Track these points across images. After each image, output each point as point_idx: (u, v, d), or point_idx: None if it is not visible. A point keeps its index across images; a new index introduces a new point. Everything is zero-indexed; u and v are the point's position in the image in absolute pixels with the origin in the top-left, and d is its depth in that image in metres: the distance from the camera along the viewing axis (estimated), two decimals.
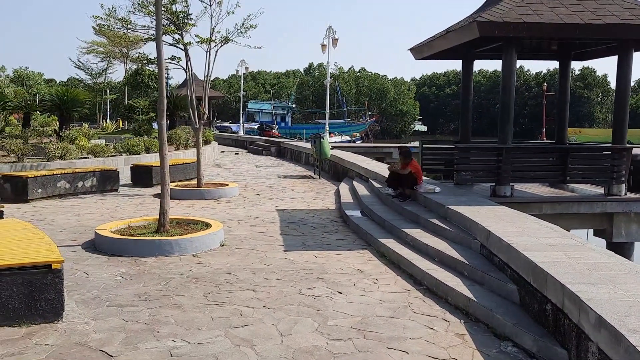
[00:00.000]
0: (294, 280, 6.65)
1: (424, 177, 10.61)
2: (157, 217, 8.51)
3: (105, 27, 13.13)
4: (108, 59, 55.37)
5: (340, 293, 6.17)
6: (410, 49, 12.21)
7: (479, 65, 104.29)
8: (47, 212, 10.97)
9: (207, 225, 8.73)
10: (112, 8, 13.01)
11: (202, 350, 4.60)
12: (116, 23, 13.08)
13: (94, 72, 56.60)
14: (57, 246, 7.94)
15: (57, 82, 78.73)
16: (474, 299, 5.55)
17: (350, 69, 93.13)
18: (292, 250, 8.16)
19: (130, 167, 15.77)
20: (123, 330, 4.98)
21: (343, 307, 5.72)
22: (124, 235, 8.06)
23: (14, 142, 15.32)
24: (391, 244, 7.95)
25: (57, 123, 25.18)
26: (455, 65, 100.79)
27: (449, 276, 6.32)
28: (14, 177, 12.25)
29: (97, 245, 8.02)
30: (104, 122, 42.76)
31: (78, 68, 56.43)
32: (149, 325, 5.12)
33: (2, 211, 8.08)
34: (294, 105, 77.18)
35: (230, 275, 6.81)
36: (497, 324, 5.07)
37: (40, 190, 12.35)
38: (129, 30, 13.41)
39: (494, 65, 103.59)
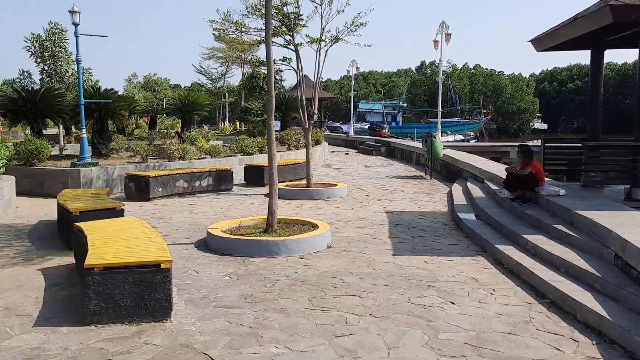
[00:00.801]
0: (403, 287, 6.30)
1: (545, 178, 9.77)
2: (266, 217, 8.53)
3: (221, 30, 13.48)
4: (227, 63, 57.77)
5: (453, 303, 5.74)
6: (531, 40, 11.34)
7: (607, 57, 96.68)
8: (166, 210, 11.46)
9: (315, 226, 8.61)
10: (227, 12, 13.40)
11: (304, 359, 4.41)
12: (230, 27, 13.41)
13: (213, 77, 59.33)
14: (172, 244, 8.27)
15: (182, 87, 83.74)
16: (608, 317, 4.88)
17: (464, 66, 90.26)
18: (401, 254, 7.81)
19: (244, 167, 16.18)
20: (227, 333, 4.92)
21: (456, 319, 5.29)
22: (233, 234, 8.15)
23: (139, 144, 16.28)
24: (509, 250, 7.34)
25: (180, 125, 26.63)
26: (580, 58, 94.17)
27: (577, 289, 5.65)
28: (138, 177, 12.97)
29: (209, 244, 8.18)
30: (222, 124, 44.64)
31: (200, 73, 59.46)
32: (253, 329, 5.02)
33: (123, 209, 8.48)
34: (405, 105, 76.15)
35: (336, 279, 6.60)
36: (638, 348, 4.40)
37: (160, 189, 12.97)
38: (242, 34, 13.72)
39: (623, 57, 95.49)
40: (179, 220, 10.35)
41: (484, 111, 64.61)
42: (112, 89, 17.82)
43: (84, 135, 14.20)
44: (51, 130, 25.25)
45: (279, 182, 14.62)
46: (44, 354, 4.44)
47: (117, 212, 8.32)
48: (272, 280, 6.55)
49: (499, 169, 12.75)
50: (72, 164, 13.83)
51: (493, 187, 11.44)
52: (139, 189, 12.81)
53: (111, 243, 5.85)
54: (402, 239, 8.77)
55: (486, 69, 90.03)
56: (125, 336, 4.83)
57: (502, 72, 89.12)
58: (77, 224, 6.96)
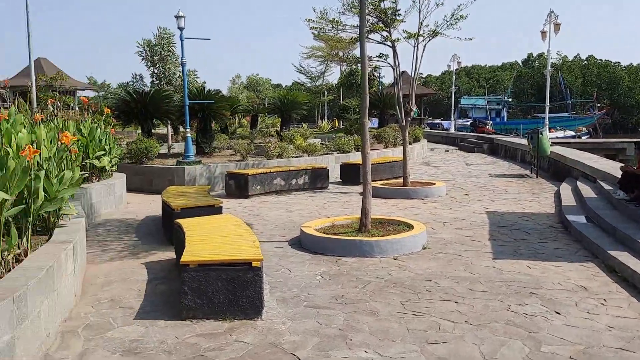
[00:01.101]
0: (503, 293, 5.94)
1: None
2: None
3: (318, 29, 13.56)
4: (326, 62, 58.38)
5: (558, 313, 5.32)
6: None
7: None
8: (263, 208, 11.69)
9: (410, 227, 8.38)
10: (324, 11, 13.43)
11: None
12: (327, 25, 13.44)
13: (313, 76, 60.17)
14: (267, 241, 8.40)
15: (283, 86, 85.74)
16: None
17: (575, 57, 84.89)
18: (501, 258, 7.40)
19: (340, 165, 16.19)
20: (317, 335, 4.87)
21: (561, 330, 4.89)
22: (326, 233, 8.11)
23: (240, 143, 16.78)
24: (624, 257, 6.71)
25: (279, 124, 27.21)
26: None
27: None
28: (237, 175, 13.35)
29: (302, 243, 8.21)
30: (321, 122, 45.15)
31: (299, 72, 60.57)
32: (342, 332, 4.93)
33: (221, 206, 8.72)
34: (510, 100, 72.91)
35: (430, 282, 6.36)
36: None
37: (258, 187, 13.26)
38: (338, 31, 13.70)
39: None
40: (275, 218, 10.50)
41: (598, 105, 60.42)
42: (215, 90, 18.54)
43: (189, 134, 14.84)
44: (161, 130, 26.74)
45: (375, 181, 14.51)
46: (142, 347, 4.62)
47: (216, 209, 8.57)
48: (364, 281, 6.43)
49: (614, 168, 11.78)
50: (178, 162, 14.51)
51: (606, 187, 10.58)
52: (238, 186, 13.18)
53: (207, 240, 6.00)
54: (503, 242, 8.32)
55: (600, 59, 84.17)
56: (218, 332, 4.92)
57: (619, 63, 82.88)
58: (177, 220, 7.24)
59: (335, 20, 13.25)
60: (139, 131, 18.84)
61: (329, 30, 13.74)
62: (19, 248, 5.01)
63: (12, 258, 4.76)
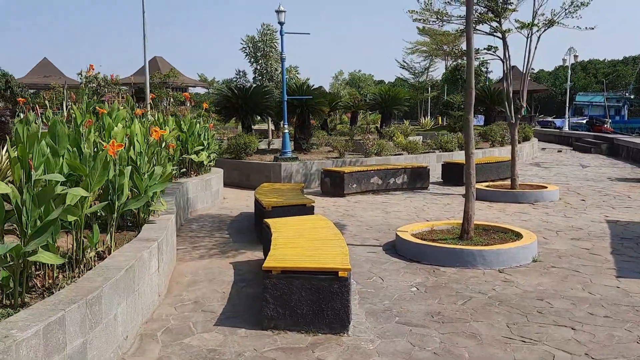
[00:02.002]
0: (631, 320, 5.06)
1: None
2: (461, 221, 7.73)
3: (421, 21, 12.86)
4: (430, 57, 56.94)
5: None
6: None
7: None
8: (358, 208, 11.23)
9: (518, 235, 7.56)
10: (428, 1, 12.70)
11: None
12: (431, 16, 12.70)
13: (416, 71, 58.95)
14: (360, 245, 7.93)
15: (386, 82, 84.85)
16: None
17: None
18: (627, 276, 6.42)
19: (441, 165, 15.37)
20: (408, 358, 4.33)
21: None
22: (424, 239, 7.50)
23: (337, 139, 16.43)
24: None
25: (380, 120, 26.65)
26: None
27: None
28: (333, 172, 12.99)
29: (398, 248, 7.65)
30: (423, 119, 43.96)
31: (402, 68, 59.58)
32: (437, 356, 4.35)
33: (313, 206, 8.36)
34: (632, 97, 67.18)
35: (542, 302, 5.58)
36: None
37: (355, 186, 12.82)
38: (443, 23, 12.91)
39: None
40: (370, 219, 10.00)
41: None
42: (315, 86, 18.32)
43: (286, 130, 14.70)
44: (263, 126, 27.09)
45: (479, 182, 13.58)
46: (218, 358, 4.32)
47: (307, 209, 8.23)
48: (465, 296, 5.78)
49: None
50: (275, 158, 14.41)
51: None
52: (334, 184, 12.82)
53: (293, 244, 5.63)
54: (629, 257, 7.27)
55: None
56: (299, 347, 4.51)
57: None
58: (266, 220, 6.95)
59: (440, 11, 12.49)
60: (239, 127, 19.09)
61: (433, 21, 12.97)
62: (103, 245, 4.90)
63: (94, 256, 4.64)
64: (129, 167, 5.38)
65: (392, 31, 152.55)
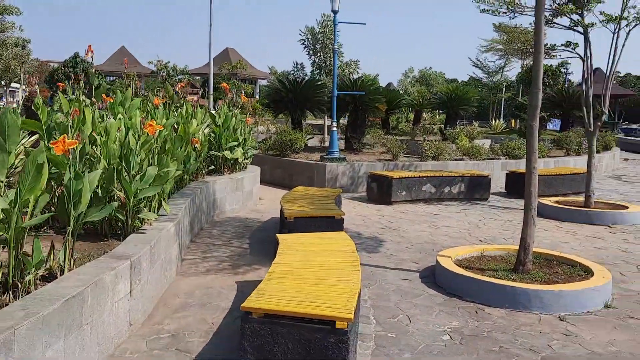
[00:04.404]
0: None
1: None
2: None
3: (489, 11, 11.42)
4: (506, 56, 54.14)
5: None
6: None
7: None
8: (404, 220, 9.99)
9: (588, 271, 6.14)
10: None
11: None
12: (501, 6, 11.22)
13: (490, 70, 56.27)
14: (394, 268, 6.75)
15: (459, 81, 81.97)
16: None
17: None
18: None
19: (506, 174, 13.79)
20: None
21: None
22: (470, 269, 6.21)
23: (392, 139, 15.13)
24: None
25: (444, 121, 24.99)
26: None
27: None
28: (380, 177, 11.78)
29: (437, 277, 6.40)
30: (494, 121, 41.62)
31: (475, 66, 57.09)
32: None
33: (342, 219, 7.23)
34: None
35: None
36: None
37: (404, 193, 11.57)
38: (515, 14, 11.39)
39: None
40: (414, 235, 8.76)
41: None
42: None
43: (334, 128, 13.62)
44: (320, 121, 26.07)
45: (548, 196, 11.98)
46: None
47: (336, 223, 7.12)
48: (510, 354, 4.50)
49: None
50: (321, 158, 13.36)
51: None
52: (380, 190, 11.62)
53: (293, 274, 4.55)
54: None
55: None
56: None
57: None
58: (278, 235, 5.93)
59: (511, 2, 11.00)
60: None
61: (503, 12, 11.48)
62: (49, 264, 4.01)
63: (33, 279, 3.74)
64: (98, 170, 4.46)
65: (467, 28, 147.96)
